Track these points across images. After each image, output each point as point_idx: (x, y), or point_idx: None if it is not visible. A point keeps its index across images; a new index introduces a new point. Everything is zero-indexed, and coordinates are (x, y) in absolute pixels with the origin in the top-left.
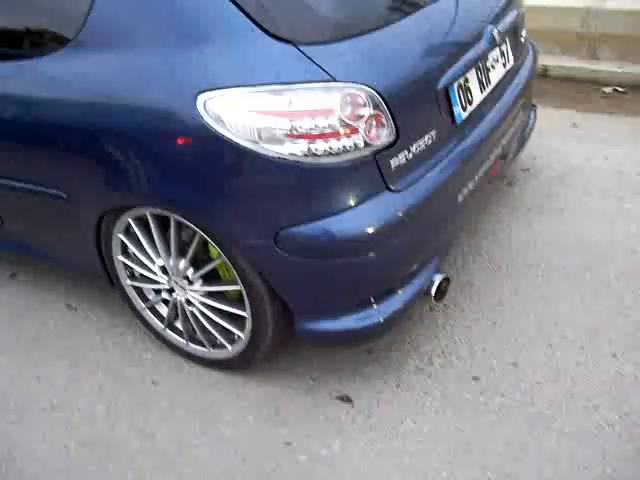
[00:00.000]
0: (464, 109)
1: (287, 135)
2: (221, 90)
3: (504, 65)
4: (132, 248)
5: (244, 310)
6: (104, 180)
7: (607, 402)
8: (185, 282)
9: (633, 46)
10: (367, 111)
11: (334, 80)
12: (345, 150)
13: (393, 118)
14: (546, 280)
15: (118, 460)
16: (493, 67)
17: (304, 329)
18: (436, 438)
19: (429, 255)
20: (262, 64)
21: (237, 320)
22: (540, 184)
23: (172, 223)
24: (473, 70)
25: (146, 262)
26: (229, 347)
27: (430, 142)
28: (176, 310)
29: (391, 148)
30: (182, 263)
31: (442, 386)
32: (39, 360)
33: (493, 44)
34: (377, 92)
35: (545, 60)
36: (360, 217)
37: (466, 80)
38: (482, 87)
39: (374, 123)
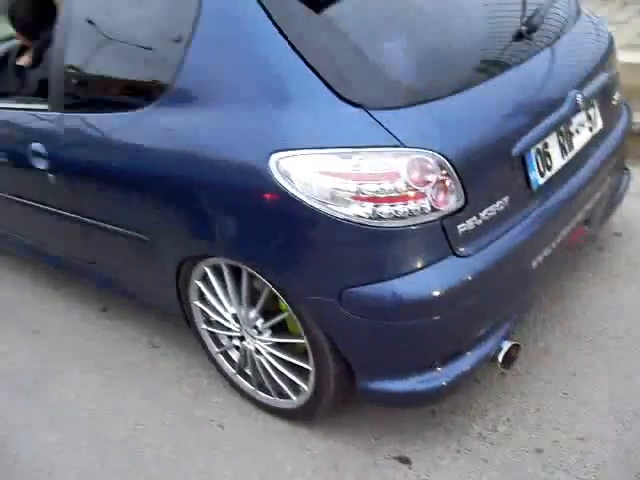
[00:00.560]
0: (542, 175)
1: (353, 197)
2: (293, 151)
3: (590, 129)
4: (208, 295)
5: (308, 363)
6: (185, 228)
7: None
8: (254, 331)
9: None
10: (434, 177)
11: (402, 145)
12: (411, 214)
13: (462, 184)
14: (626, 353)
15: None
16: (577, 132)
17: (365, 388)
18: None
19: (499, 320)
20: (333, 127)
21: (303, 372)
22: (632, 250)
23: (244, 274)
24: (554, 135)
25: (220, 309)
26: (294, 398)
27: (502, 208)
28: (246, 357)
29: (459, 214)
30: (252, 313)
31: (503, 455)
32: (117, 393)
33: (576, 109)
34: (446, 158)
35: None
36: (424, 281)
37: (545, 145)
38: (564, 152)
39: (442, 188)
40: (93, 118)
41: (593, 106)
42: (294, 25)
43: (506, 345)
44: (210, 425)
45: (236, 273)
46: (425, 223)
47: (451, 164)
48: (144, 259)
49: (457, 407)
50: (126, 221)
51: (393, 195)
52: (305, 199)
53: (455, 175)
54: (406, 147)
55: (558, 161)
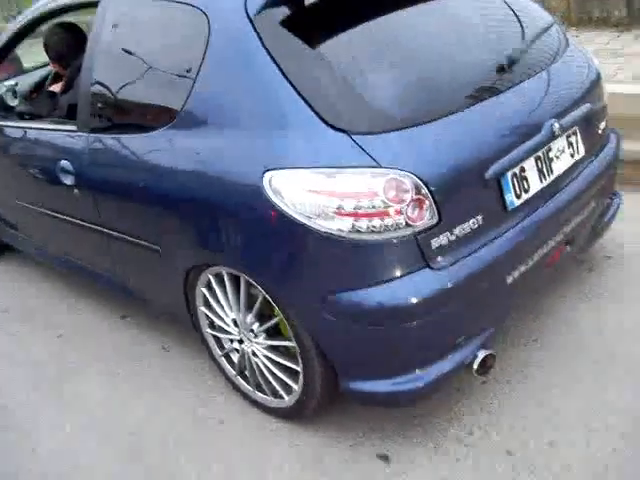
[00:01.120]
0: (518, 197)
1: (335, 212)
2: (284, 170)
3: (572, 155)
4: (211, 300)
5: (298, 365)
6: (192, 239)
7: None
8: (251, 335)
9: None
10: (409, 196)
11: (380, 166)
12: (387, 229)
13: (435, 202)
14: (602, 367)
15: None
16: (557, 157)
17: (346, 388)
18: None
19: (475, 330)
20: (319, 149)
21: (293, 373)
22: (620, 272)
23: (242, 281)
24: (531, 160)
25: (221, 314)
26: (286, 397)
27: (476, 226)
28: (244, 359)
29: (432, 230)
30: (249, 317)
31: (476, 456)
32: (128, 391)
33: (553, 137)
34: (420, 179)
35: None
36: (399, 289)
37: (522, 169)
38: (542, 176)
39: (417, 206)
40: (114, 139)
41: (575, 134)
42: (288, 59)
43: (482, 353)
44: (211, 422)
45: (236, 281)
46: (400, 237)
47: (425, 184)
48: (157, 268)
49: (437, 411)
50: (141, 233)
51: (371, 211)
52: (293, 214)
53: (429, 194)
54: (383, 168)
55: (536, 184)
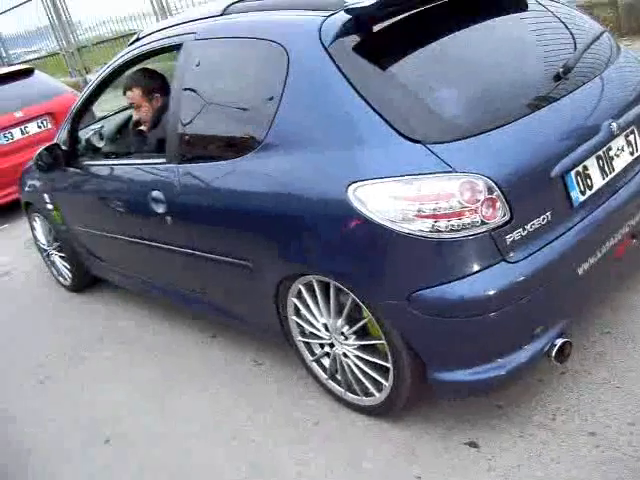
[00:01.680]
0: (582, 193)
1: (416, 215)
2: (367, 181)
3: (631, 153)
4: (302, 309)
5: (387, 361)
6: (283, 253)
7: None
8: (342, 337)
9: None
10: (482, 196)
11: (455, 171)
12: (464, 227)
13: (507, 201)
14: None
15: None
16: (617, 155)
17: (434, 379)
18: None
19: (552, 320)
20: (398, 160)
21: (383, 371)
22: None
23: (332, 288)
24: (593, 158)
25: (312, 321)
26: (377, 394)
27: (545, 221)
28: (336, 362)
29: (506, 226)
30: (339, 321)
31: (560, 439)
32: (225, 401)
33: (612, 136)
34: (492, 180)
35: None
36: (477, 283)
37: (585, 168)
38: (604, 173)
39: (490, 205)
40: (203, 167)
41: (633, 133)
42: (363, 81)
43: (559, 342)
44: (306, 423)
45: (325, 288)
46: (477, 234)
47: (497, 185)
48: (249, 283)
49: (520, 401)
50: (233, 252)
51: (449, 212)
52: (377, 219)
53: (501, 194)
54: (458, 172)
55: (599, 181)
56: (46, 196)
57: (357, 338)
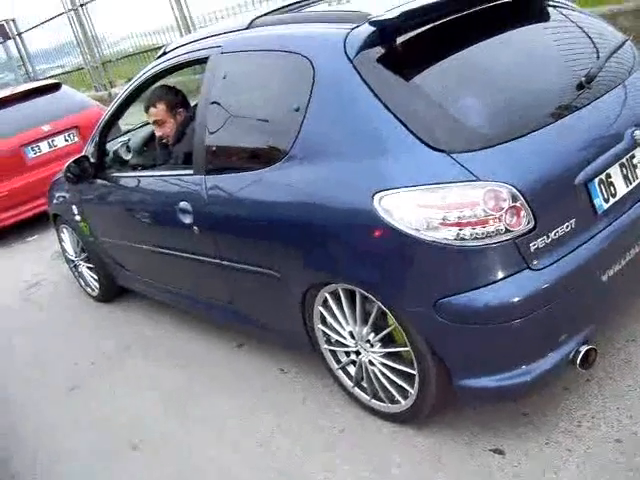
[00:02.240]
0: (606, 201)
1: (440, 223)
2: (392, 190)
3: None
4: (328, 317)
5: (413, 369)
6: (309, 262)
7: None
8: (367, 345)
9: None
10: (507, 204)
11: (479, 180)
12: (489, 235)
13: (531, 209)
14: None
15: None
16: None
17: (460, 385)
18: None
19: (577, 327)
20: (423, 169)
21: (409, 378)
22: None
23: (358, 296)
24: (616, 166)
25: (338, 329)
26: (403, 402)
27: (569, 228)
28: (362, 370)
29: (530, 234)
30: (365, 329)
31: (586, 446)
32: (252, 408)
33: (635, 144)
34: (516, 188)
35: None
36: (502, 290)
37: (608, 176)
38: (628, 181)
39: (514, 213)
40: (229, 178)
41: None
42: (387, 92)
43: (584, 348)
44: (332, 430)
45: (350, 296)
46: (501, 242)
47: (521, 193)
48: (275, 292)
49: (546, 408)
50: (260, 261)
51: (473, 220)
52: (403, 228)
53: (525, 202)
54: (482, 181)
55: (622, 189)
56: (74, 208)
57: (383, 345)
